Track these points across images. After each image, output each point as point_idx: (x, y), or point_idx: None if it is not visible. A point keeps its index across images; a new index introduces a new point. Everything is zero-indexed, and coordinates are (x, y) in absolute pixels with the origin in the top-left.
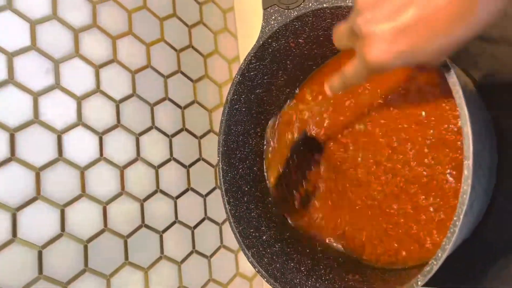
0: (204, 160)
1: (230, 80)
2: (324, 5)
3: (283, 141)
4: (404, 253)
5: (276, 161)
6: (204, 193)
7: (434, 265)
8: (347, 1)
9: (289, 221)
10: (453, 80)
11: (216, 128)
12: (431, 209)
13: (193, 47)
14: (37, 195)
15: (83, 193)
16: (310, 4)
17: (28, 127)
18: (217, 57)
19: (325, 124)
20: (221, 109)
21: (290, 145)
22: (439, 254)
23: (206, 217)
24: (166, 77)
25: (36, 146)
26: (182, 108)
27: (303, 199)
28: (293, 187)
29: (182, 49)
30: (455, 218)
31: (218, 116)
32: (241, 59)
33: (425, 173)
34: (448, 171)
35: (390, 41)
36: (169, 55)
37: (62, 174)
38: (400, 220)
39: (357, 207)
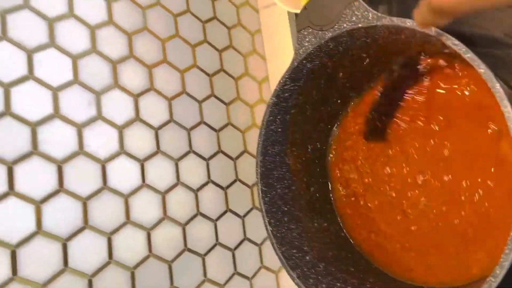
0: (240, 181)
1: (261, 100)
2: (360, 25)
3: None
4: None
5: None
6: (242, 214)
7: (492, 283)
8: (383, 21)
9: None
10: (500, 94)
11: (250, 148)
12: (480, 239)
13: (224, 71)
14: (85, 225)
15: (128, 220)
16: (345, 25)
17: (74, 158)
18: (248, 79)
19: None
20: (254, 129)
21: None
22: (497, 271)
23: (245, 238)
24: (200, 102)
25: (82, 177)
26: (217, 131)
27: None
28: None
29: (214, 73)
30: None
31: (251, 137)
32: (271, 79)
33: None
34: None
35: None
36: (202, 80)
37: (107, 203)
38: (450, 249)
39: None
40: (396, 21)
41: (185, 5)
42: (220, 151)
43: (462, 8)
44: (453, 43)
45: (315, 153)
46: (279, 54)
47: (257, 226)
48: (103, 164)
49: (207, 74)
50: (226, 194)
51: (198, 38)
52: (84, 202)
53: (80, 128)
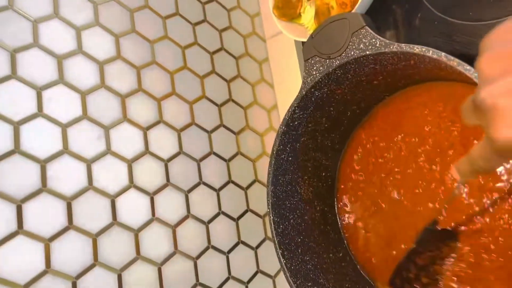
0: (251, 211)
1: (271, 128)
2: (367, 52)
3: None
4: None
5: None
6: (254, 245)
7: None
8: (391, 47)
9: None
10: None
11: (261, 177)
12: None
13: (233, 100)
14: (95, 262)
15: (138, 255)
16: (352, 53)
17: (83, 194)
18: (257, 108)
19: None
20: (264, 158)
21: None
22: None
23: (258, 271)
24: (210, 132)
25: (92, 213)
26: (227, 161)
27: None
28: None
29: (223, 104)
30: None
31: (262, 166)
32: (279, 107)
33: None
34: None
35: None
36: (211, 111)
37: (117, 239)
38: None
39: None
40: (405, 47)
41: (192, 37)
42: (230, 181)
43: None
44: (464, 68)
45: (327, 180)
46: (287, 81)
47: (270, 257)
48: (112, 199)
49: (216, 105)
50: (237, 225)
51: (206, 69)
52: (94, 238)
53: (89, 163)
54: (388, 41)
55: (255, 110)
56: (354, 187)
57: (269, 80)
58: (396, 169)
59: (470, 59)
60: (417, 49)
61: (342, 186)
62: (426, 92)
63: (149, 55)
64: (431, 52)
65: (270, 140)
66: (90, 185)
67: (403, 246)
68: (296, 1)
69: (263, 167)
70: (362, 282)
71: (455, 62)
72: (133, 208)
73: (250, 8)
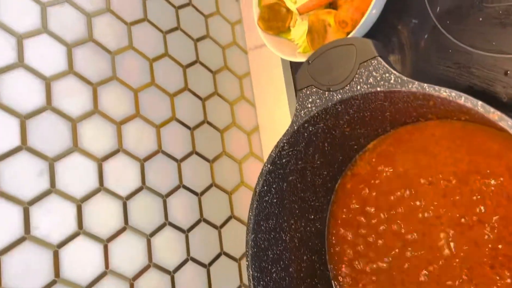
0: (226, 254)
1: (251, 154)
2: (378, 88)
3: None
4: None
5: None
6: None
7: None
8: (410, 86)
9: None
10: None
11: (237, 213)
12: None
13: (208, 122)
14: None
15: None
16: (359, 87)
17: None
18: (235, 130)
19: None
20: (242, 189)
21: None
22: None
23: None
24: (179, 161)
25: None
26: (199, 194)
27: None
28: None
29: (196, 126)
30: None
31: (239, 199)
32: (261, 129)
33: None
34: None
35: None
36: (182, 135)
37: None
38: None
39: None
40: (428, 88)
41: (163, 48)
42: (202, 219)
43: None
44: (509, 124)
45: (315, 224)
46: (271, 100)
47: None
48: (55, 250)
49: (188, 128)
50: (208, 272)
51: (177, 86)
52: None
53: (26, 206)
54: (405, 78)
55: (233, 133)
56: (350, 230)
57: (250, 98)
58: (400, 212)
59: (492, 97)
60: (444, 93)
61: (334, 231)
62: (440, 128)
63: (110, 70)
64: (463, 99)
65: (249, 168)
66: (27, 234)
67: None
68: (285, 13)
69: (241, 201)
70: None
71: (495, 116)
72: (81, 260)
73: (230, 15)
